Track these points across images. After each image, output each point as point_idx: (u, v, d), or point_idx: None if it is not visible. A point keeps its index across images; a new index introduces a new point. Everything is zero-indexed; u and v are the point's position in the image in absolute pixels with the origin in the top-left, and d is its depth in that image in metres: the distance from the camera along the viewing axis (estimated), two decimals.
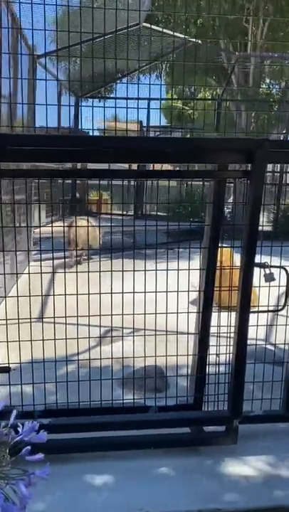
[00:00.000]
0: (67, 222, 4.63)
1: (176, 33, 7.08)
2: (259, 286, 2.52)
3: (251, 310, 2.22)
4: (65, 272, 2.22)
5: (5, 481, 0.95)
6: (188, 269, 2.32)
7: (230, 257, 3.42)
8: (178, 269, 2.32)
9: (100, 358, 2.33)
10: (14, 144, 1.89)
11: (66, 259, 4.51)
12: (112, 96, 12.16)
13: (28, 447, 1.03)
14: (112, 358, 2.35)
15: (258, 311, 2.54)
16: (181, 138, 2.49)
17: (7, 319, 2.19)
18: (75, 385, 2.29)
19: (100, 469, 2.15)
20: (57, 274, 2.40)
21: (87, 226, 3.93)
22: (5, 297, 2.21)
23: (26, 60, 5.62)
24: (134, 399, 2.38)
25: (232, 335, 2.34)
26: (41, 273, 2.21)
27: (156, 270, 2.32)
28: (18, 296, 2.21)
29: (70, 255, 5.38)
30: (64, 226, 2.49)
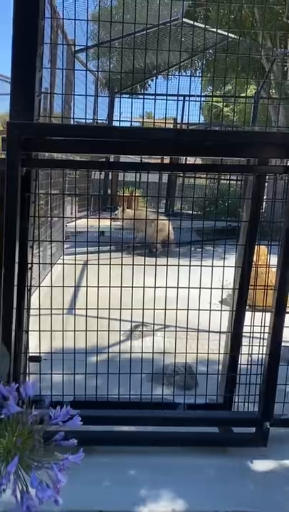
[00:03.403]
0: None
1: (213, 29, 6.96)
2: None
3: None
4: (98, 264, 2.22)
5: (40, 465, 0.95)
6: (223, 266, 2.28)
7: (263, 255, 3.35)
8: (212, 266, 2.28)
9: (130, 352, 2.31)
10: (52, 134, 1.90)
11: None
12: (147, 92, 12.15)
13: (62, 432, 1.02)
14: (142, 353, 2.33)
15: None
16: (220, 130, 2.44)
17: (40, 309, 2.21)
18: (104, 378, 2.28)
19: (125, 464, 2.14)
20: (90, 268, 2.40)
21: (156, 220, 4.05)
22: (39, 287, 2.23)
23: (65, 56, 5.67)
24: (162, 395, 2.36)
25: (264, 335, 2.29)
26: (75, 264, 2.22)
27: (189, 266, 2.29)
28: (51, 287, 2.22)
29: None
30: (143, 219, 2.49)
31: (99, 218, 2.30)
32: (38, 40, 2.03)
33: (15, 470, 0.92)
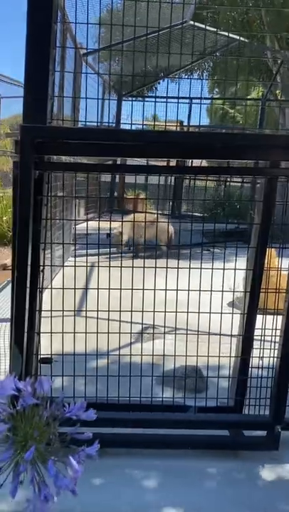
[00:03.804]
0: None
1: (222, 32, 6.98)
2: None
3: None
4: (109, 267, 2.22)
5: (56, 458, 0.96)
6: (235, 269, 2.28)
7: (272, 258, 3.34)
8: (223, 268, 2.28)
9: (141, 355, 2.32)
10: (66, 137, 1.91)
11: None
12: (153, 95, 12.18)
13: (77, 425, 1.03)
14: (152, 355, 2.33)
15: None
16: (233, 133, 2.45)
17: (52, 310, 2.21)
18: (114, 380, 2.29)
19: (136, 466, 2.14)
20: (100, 269, 2.41)
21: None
22: (51, 289, 2.24)
23: (73, 59, 5.72)
24: (173, 397, 2.36)
25: (275, 338, 2.28)
26: (86, 266, 2.23)
27: (200, 268, 2.29)
28: (63, 289, 2.23)
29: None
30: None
31: (110, 220, 2.30)
32: (50, 43, 2.04)
33: (32, 460, 0.93)
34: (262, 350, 2.31)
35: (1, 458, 0.92)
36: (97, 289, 2.27)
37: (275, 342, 2.28)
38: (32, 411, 1.01)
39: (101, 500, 1.91)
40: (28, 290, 1.99)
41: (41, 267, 2.13)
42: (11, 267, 2.17)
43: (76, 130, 2.16)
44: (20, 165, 1.88)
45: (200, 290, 2.25)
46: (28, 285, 1.98)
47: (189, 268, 2.26)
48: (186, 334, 2.34)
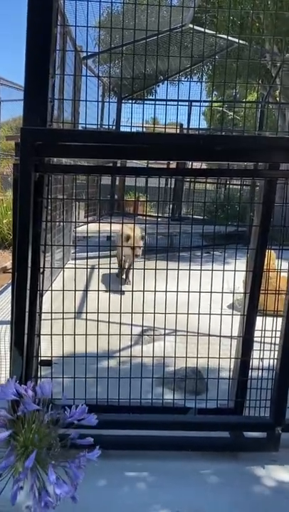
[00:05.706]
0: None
1: (221, 35, 6.99)
2: None
3: None
4: (110, 268, 2.23)
5: (57, 462, 0.96)
6: (234, 271, 2.28)
7: (272, 259, 3.34)
8: (223, 270, 2.29)
9: (142, 356, 2.32)
10: (68, 140, 1.92)
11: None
12: (153, 98, 12.22)
13: (78, 431, 1.03)
14: (152, 357, 2.33)
15: None
16: (232, 135, 2.46)
17: (52, 313, 2.22)
18: (115, 382, 2.29)
19: (135, 468, 2.14)
20: (98, 272, 2.42)
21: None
22: (51, 291, 2.24)
23: (74, 62, 5.73)
24: (173, 399, 2.36)
25: (275, 340, 2.29)
26: (87, 268, 2.23)
27: (200, 270, 2.29)
28: (63, 291, 2.24)
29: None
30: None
31: (111, 223, 2.31)
32: (51, 47, 2.05)
33: (32, 466, 0.93)
34: (262, 352, 2.32)
35: (1, 466, 0.92)
36: (98, 291, 2.28)
37: (274, 344, 2.29)
38: (33, 416, 1.01)
39: (99, 502, 1.91)
40: (28, 293, 2.00)
41: (41, 270, 2.14)
42: (11, 270, 2.17)
43: (76, 132, 2.17)
44: (21, 167, 1.89)
45: (200, 292, 2.26)
46: (28, 288, 1.99)
47: (189, 270, 2.27)
48: (186, 336, 2.34)
